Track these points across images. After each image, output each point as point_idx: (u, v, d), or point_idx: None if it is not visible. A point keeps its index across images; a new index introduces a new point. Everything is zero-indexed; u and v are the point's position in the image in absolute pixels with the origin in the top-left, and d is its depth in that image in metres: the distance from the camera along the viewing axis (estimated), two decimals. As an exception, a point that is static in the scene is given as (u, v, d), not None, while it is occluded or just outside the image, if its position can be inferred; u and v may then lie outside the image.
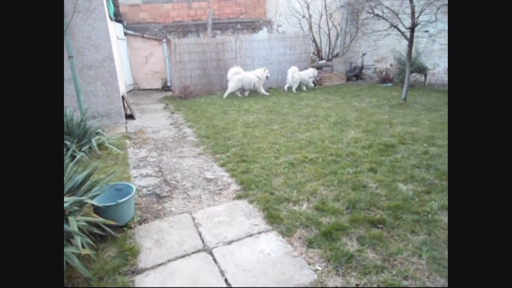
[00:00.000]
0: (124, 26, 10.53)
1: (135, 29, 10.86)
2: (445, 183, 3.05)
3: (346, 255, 2.12)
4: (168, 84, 10.98)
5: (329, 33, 10.89)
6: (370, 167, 3.53)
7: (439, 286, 1.85)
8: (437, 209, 2.62)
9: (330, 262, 2.09)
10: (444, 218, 2.50)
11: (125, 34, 10.57)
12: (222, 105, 7.65)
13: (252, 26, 11.90)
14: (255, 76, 8.72)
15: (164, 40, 10.84)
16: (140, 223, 2.69)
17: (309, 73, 9.31)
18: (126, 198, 2.55)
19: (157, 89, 11.14)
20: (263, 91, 8.98)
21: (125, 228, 2.57)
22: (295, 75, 9.07)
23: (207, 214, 2.79)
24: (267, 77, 8.83)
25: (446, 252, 2.11)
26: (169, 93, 10.05)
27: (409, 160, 3.69)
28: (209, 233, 2.50)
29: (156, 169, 3.91)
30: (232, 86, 8.62)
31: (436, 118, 5.42)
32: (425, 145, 4.15)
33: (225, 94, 8.73)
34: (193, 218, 2.73)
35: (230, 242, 2.37)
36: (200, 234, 2.49)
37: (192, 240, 2.42)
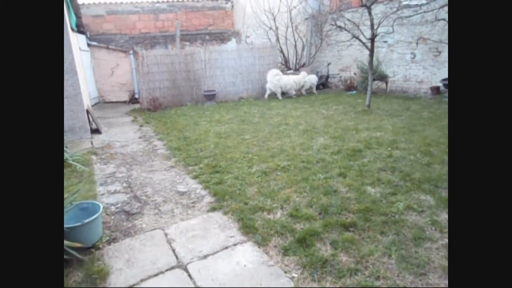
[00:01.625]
0: (87, 37, 10.15)
1: (99, 40, 10.50)
2: (409, 184, 3.23)
3: (321, 260, 2.16)
4: (136, 96, 10.67)
5: (295, 44, 11.27)
6: (340, 172, 3.65)
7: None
8: (403, 209, 2.77)
9: (305, 268, 2.12)
10: (410, 217, 2.64)
11: (89, 45, 10.18)
12: (193, 116, 7.57)
13: (221, 37, 11.99)
14: (293, 80, 9.67)
15: (131, 52, 10.57)
16: (109, 242, 2.56)
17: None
18: (92, 218, 2.41)
19: (124, 102, 10.78)
20: (293, 93, 9.93)
21: (92, 250, 2.43)
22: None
23: (180, 229, 2.72)
24: (303, 85, 10.01)
25: (413, 250, 2.23)
26: (137, 106, 9.76)
27: (375, 163, 3.87)
28: (183, 248, 2.44)
29: (125, 185, 3.75)
30: (271, 88, 9.50)
31: (397, 123, 5.76)
32: (389, 148, 4.38)
33: (266, 96, 9.70)
34: (166, 234, 2.65)
35: (205, 256, 2.32)
36: (173, 250, 2.42)
37: (166, 257, 2.34)
